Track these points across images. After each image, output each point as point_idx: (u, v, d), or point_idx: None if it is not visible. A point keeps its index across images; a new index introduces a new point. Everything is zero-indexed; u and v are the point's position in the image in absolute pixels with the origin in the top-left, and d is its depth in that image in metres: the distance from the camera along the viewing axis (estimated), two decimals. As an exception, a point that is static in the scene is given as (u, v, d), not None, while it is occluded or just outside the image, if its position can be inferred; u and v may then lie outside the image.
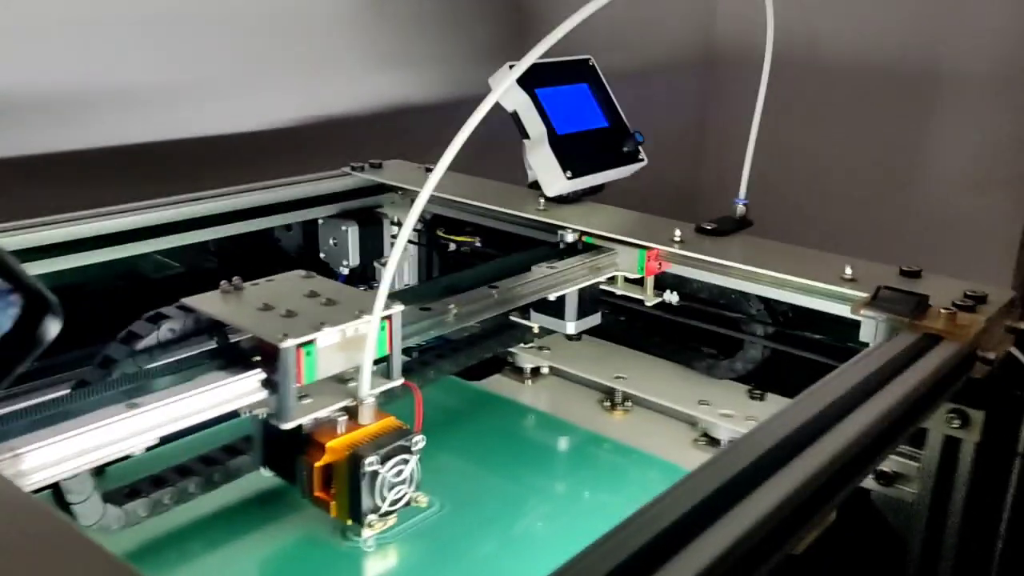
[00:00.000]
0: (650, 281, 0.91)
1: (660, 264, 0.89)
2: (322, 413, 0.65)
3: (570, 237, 0.92)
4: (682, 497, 0.47)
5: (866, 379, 0.61)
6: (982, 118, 1.89)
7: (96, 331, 0.70)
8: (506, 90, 0.96)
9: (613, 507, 0.80)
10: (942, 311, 0.70)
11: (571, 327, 0.89)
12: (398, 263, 0.61)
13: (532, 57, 0.59)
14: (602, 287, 0.92)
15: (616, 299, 0.95)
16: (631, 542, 0.43)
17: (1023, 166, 1.86)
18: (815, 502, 0.51)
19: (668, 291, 0.92)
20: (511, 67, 0.96)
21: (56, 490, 0.58)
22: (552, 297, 0.86)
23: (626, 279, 0.92)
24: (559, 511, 0.80)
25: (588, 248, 0.92)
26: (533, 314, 0.90)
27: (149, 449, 0.61)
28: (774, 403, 0.93)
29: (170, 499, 0.66)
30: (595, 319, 0.92)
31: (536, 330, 0.94)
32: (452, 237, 1.07)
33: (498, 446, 0.88)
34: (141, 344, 0.66)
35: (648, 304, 0.91)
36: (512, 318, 0.91)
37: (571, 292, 0.87)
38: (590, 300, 0.90)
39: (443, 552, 0.71)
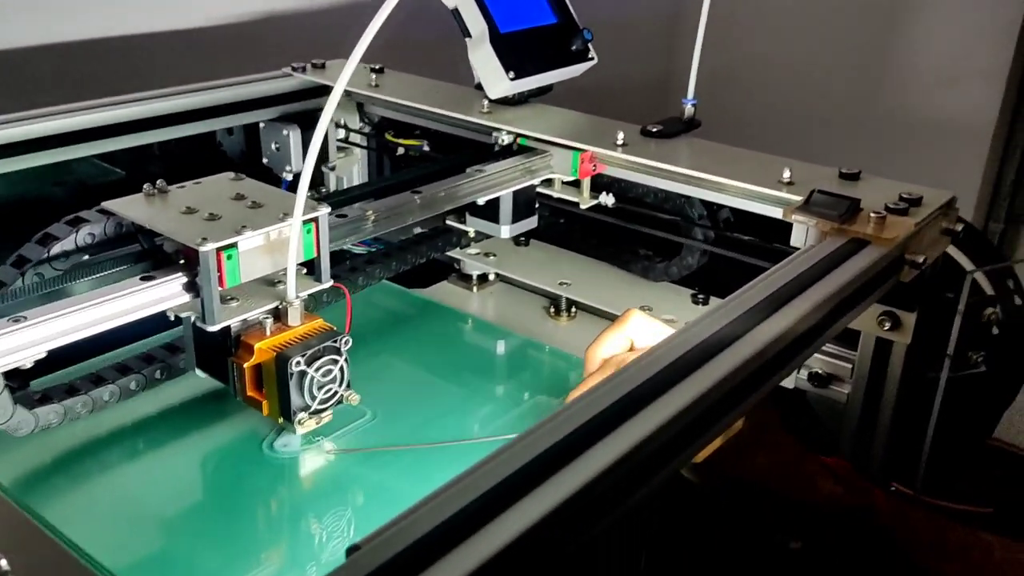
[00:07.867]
0: (586, 183, 0.89)
1: (595, 166, 0.87)
2: (249, 315, 0.65)
3: (505, 139, 0.90)
4: (596, 400, 0.47)
5: (787, 284, 0.61)
6: (957, 9, 1.84)
7: (27, 238, 0.68)
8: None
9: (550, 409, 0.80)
10: (872, 215, 0.69)
11: (505, 231, 0.87)
12: (315, 161, 0.59)
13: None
14: (540, 190, 0.90)
15: (554, 202, 0.93)
16: (540, 443, 0.43)
17: (1000, 57, 1.82)
18: (732, 399, 0.51)
19: (604, 193, 0.90)
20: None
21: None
22: (481, 201, 0.84)
23: (563, 182, 0.90)
24: (496, 413, 0.80)
25: (523, 150, 0.90)
26: (469, 218, 0.88)
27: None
28: (717, 307, 0.93)
29: (83, 407, 0.66)
30: (531, 223, 0.90)
31: (472, 234, 0.93)
32: (399, 140, 1.05)
33: (435, 352, 0.88)
34: (57, 247, 0.65)
35: (583, 207, 0.90)
36: (448, 222, 0.90)
37: (505, 195, 0.85)
38: (525, 203, 0.88)
39: (370, 458, 0.71)
